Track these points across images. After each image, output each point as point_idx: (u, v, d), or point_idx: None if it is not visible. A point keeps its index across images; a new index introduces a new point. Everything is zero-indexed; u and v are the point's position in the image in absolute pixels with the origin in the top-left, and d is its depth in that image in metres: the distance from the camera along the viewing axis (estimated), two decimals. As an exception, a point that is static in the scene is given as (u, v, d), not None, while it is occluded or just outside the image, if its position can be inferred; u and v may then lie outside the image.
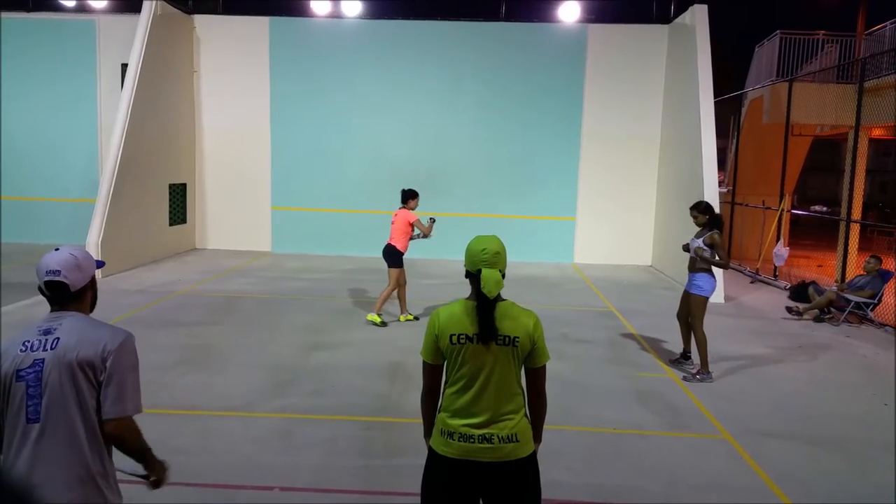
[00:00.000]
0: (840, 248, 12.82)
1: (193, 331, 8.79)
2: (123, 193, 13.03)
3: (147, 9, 13.99)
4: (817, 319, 10.55)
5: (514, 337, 2.97)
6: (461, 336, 2.96)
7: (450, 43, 15.69)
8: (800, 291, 11.57)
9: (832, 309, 10.61)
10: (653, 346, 8.78)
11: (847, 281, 11.14)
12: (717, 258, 7.37)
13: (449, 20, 15.79)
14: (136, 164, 13.44)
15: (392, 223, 9.39)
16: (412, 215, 9.28)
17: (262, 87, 15.89)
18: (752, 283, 14.00)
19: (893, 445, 5.81)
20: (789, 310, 11.10)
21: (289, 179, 16.00)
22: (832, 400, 7.02)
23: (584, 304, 11.35)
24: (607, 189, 15.79)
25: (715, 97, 13.28)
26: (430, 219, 9.48)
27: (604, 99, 15.63)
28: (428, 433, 3.19)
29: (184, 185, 15.71)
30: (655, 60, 15.52)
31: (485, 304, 2.96)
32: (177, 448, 5.30)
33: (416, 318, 9.59)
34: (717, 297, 11.74)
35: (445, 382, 3.10)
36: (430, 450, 3.09)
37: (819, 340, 9.42)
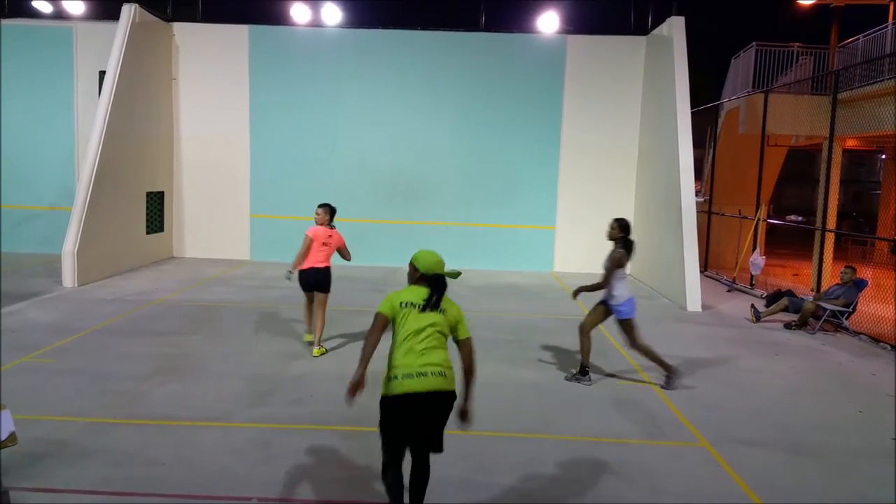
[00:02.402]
0: (815, 256, 12.98)
1: (171, 340, 8.70)
2: (100, 201, 12.89)
3: (125, 16, 13.90)
4: (788, 326, 10.71)
5: (445, 309, 4.22)
6: (408, 303, 4.17)
7: (430, 52, 15.74)
8: (776, 300, 11.70)
9: (813, 318, 10.72)
10: (631, 354, 8.81)
11: (823, 291, 11.28)
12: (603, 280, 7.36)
13: (429, 30, 15.85)
14: (113, 171, 13.31)
15: (325, 244, 8.22)
16: (341, 235, 8.44)
17: (241, 95, 15.83)
18: (728, 291, 14.13)
19: (868, 452, 5.89)
20: (753, 307, 11.33)
21: (268, 187, 15.93)
22: (809, 407, 7.10)
23: (563, 312, 11.38)
24: (586, 198, 15.88)
25: (692, 107, 13.42)
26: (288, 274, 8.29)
27: (583, 109, 15.74)
28: (361, 367, 4.14)
29: (161, 193, 15.58)
30: (633, 71, 15.67)
31: (435, 286, 4.22)
32: (154, 459, 5.25)
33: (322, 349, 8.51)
34: (693, 306, 11.86)
35: (393, 341, 4.20)
36: (382, 398, 4.17)
37: (795, 349, 9.52)
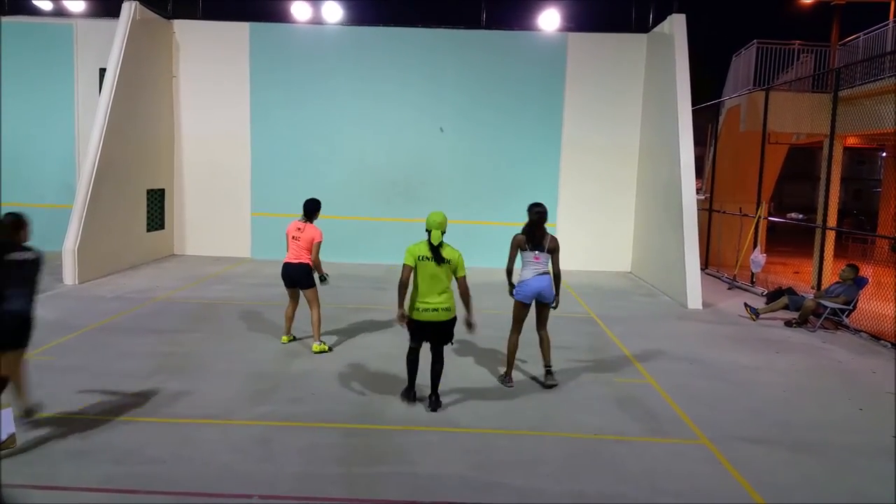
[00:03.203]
0: (816, 254, 12.98)
1: (172, 338, 8.70)
2: (101, 199, 12.89)
3: (126, 13, 13.89)
4: (789, 324, 10.70)
5: (448, 260, 6.18)
6: (423, 256, 6.15)
7: (431, 50, 15.73)
8: (776, 298, 11.70)
9: (813, 316, 10.69)
10: (632, 351, 8.83)
11: (823, 289, 11.28)
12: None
13: (430, 27, 15.82)
14: (113, 169, 13.31)
15: (294, 238, 8.09)
16: (318, 233, 8.12)
17: (242, 93, 15.82)
18: (729, 289, 14.13)
19: (869, 450, 5.90)
20: (747, 306, 11.31)
21: (269, 185, 15.92)
22: (809, 405, 7.10)
23: (564, 310, 11.33)
24: (587, 196, 15.87)
25: (693, 105, 13.41)
26: (324, 278, 8.25)
27: (584, 106, 15.73)
28: (400, 306, 6.26)
29: (162, 191, 15.58)
30: (634, 69, 15.65)
31: (432, 246, 6.14)
32: (155, 456, 5.25)
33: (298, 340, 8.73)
34: (694, 304, 11.86)
35: (414, 283, 6.21)
36: (409, 319, 6.31)
37: (796, 346, 9.52)
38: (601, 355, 8.64)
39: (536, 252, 7.09)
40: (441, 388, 6.56)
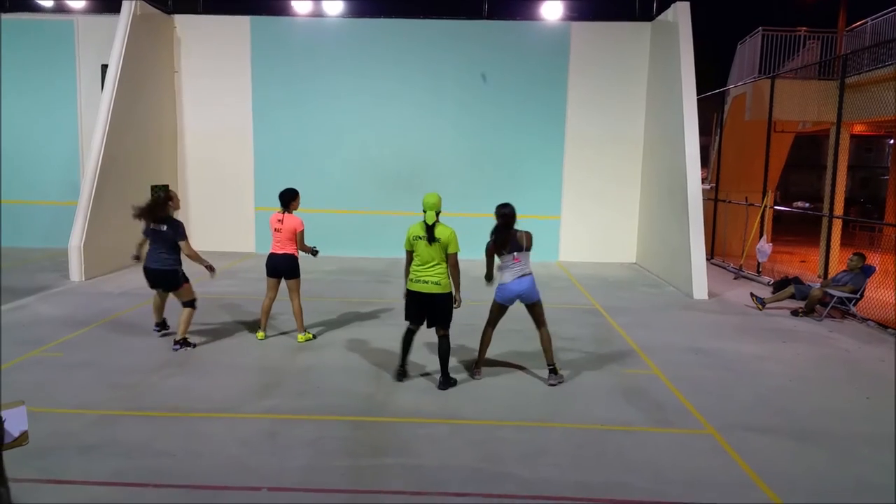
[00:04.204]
0: (823, 243, 12.94)
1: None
2: (105, 195, 12.91)
3: (126, 9, 13.87)
4: (795, 313, 10.68)
5: (439, 238, 6.55)
6: (416, 236, 6.63)
7: (432, 41, 15.67)
8: (783, 287, 11.66)
9: (819, 305, 10.66)
10: (638, 342, 8.81)
11: (831, 277, 11.23)
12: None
13: (431, 18, 15.76)
14: (117, 165, 13.33)
15: (276, 230, 8.26)
16: (299, 222, 8.27)
17: (243, 87, 15.80)
18: (735, 279, 14.09)
19: (876, 439, 5.88)
20: (753, 296, 11.29)
21: (272, 180, 15.86)
22: (815, 394, 7.08)
23: (569, 301, 11.38)
24: (592, 187, 15.83)
25: (698, 94, 13.33)
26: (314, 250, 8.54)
27: (587, 96, 15.66)
28: (406, 280, 6.84)
29: (166, 187, 15.58)
30: (638, 58, 15.58)
31: (427, 226, 6.55)
32: (163, 450, 5.27)
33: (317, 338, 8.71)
34: (700, 294, 11.83)
35: (414, 258, 6.68)
36: (406, 290, 6.85)
37: (802, 335, 9.49)
38: (606, 346, 8.63)
39: (516, 253, 6.88)
40: (447, 380, 6.59)
